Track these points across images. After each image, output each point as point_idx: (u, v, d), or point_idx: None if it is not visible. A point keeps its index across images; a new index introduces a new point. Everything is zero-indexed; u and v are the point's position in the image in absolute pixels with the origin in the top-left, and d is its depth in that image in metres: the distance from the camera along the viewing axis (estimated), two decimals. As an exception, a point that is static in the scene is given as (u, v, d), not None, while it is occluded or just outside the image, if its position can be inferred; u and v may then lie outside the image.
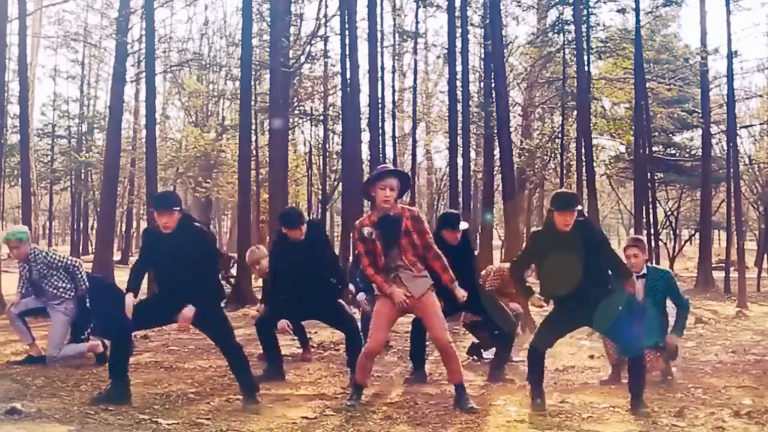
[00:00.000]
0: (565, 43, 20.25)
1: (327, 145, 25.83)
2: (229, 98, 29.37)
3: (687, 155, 27.95)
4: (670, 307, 6.38)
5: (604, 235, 5.85)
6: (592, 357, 7.73)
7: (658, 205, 22.98)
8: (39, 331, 7.70)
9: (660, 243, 22.25)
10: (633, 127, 20.12)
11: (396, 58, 25.10)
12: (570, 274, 5.16)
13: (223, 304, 6.54)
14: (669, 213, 27.36)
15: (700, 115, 22.93)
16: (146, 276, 5.87)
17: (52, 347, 6.76)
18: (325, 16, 22.24)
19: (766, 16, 61.97)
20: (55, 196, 35.96)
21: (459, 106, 15.18)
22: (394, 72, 25.04)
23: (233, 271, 15.78)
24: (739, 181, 18.90)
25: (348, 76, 16.11)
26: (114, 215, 19.87)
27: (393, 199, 5.30)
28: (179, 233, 5.14)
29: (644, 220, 18.52)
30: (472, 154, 23.94)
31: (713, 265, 23.25)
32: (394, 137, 23.97)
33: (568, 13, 19.78)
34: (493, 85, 15.97)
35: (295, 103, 23.85)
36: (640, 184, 18.93)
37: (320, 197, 26.71)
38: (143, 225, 37.32)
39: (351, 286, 8.10)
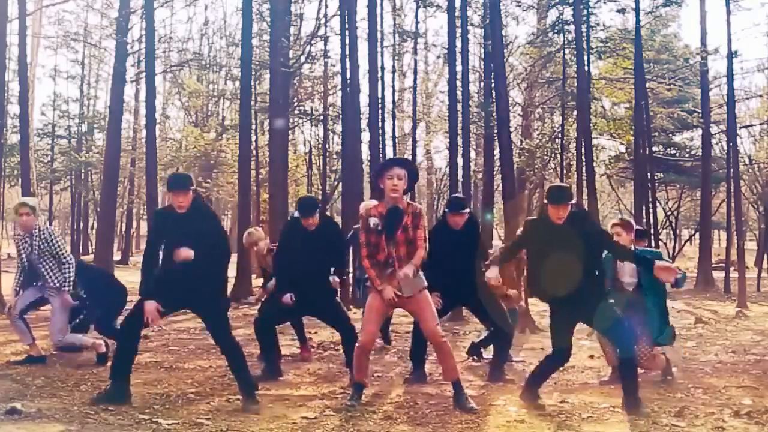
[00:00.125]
0: (565, 43, 20.23)
1: (327, 145, 25.83)
2: (229, 98, 29.38)
3: (687, 155, 27.96)
4: (672, 309, 6.37)
5: (601, 227, 5.86)
6: (592, 357, 7.73)
7: (658, 205, 22.99)
8: (39, 331, 7.71)
9: (660, 243, 22.24)
10: (633, 127, 20.12)
11: (396, 58, 25.09)
12: (566, 272, 5.18)
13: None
14: (669, 213, 27.37)
15: (700, 115, 22.94)
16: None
17: (55, 333, 6.78)
18: (325, 16, 22.25)
19: (766, 16, 61.99)
20: (55, 196, 35.91)
21: (459, 106, 15.16)
22: (394, 72, 25.03)
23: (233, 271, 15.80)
24: (739, 181, 18.91)
25: (348, 76, 16.10)
26: (114, 215, 19.88)
27: (401, 189, 5.31)
28: (192, 213, 5.23)
29: (644, 220, 18.52)
30: (472, 154, 23.94)
31: (713, 265, 23.26)
32: (394, 137, 23.95)
33: (568, 13, 19.76)
34: (493, 85, 15.95)
35: (295, 103, 23.86)
36: (640, 184, 18.93)
37: (320, 197, 26.71)
38: (143, 225, 37.36)
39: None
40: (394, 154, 25.12)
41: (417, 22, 23.85)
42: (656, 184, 23.07)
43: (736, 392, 5.99)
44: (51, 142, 32.69)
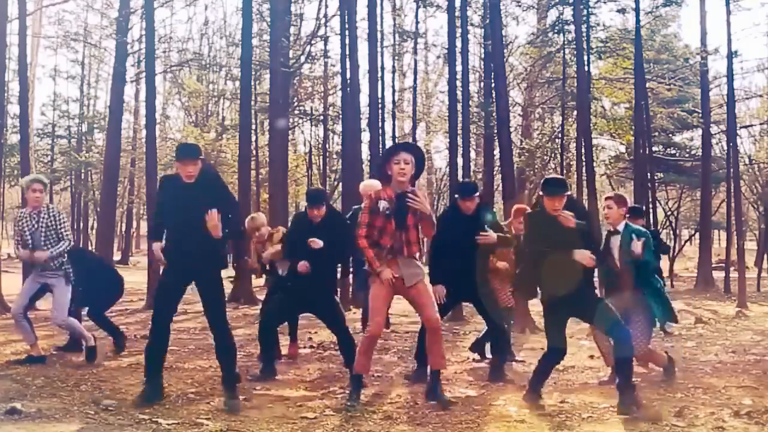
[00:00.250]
0: (565, 43, 20.23)
1: (327, 145, 25.86)
2: (229, 98, 29.37)
3: (687, 155, 27.95)
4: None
5: (585, 213, 5.88)
6: (592, 357, 7.72)
7: (658, 205, 22.98)
8: (39, 330, 7.72)
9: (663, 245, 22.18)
10: (633, 127, 20.12)
11: (396, 58, 25.09)
12: (564, 268, 5.18)
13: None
14: (669, 213, 27.36)
15: (700, 115, 22.94)
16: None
17: (58, 312, 6.73)
18: (325, 16, 22.27)
19: (766, 16, 61.97)
20: (55, 196, 35.86)
21: (459, 106, 15.14)
22: (394, 72, 25.03)
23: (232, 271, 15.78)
24: (739, 181, 18.91)
25: (348, 76, 16.10)
26: (114, 215, 19.89)
27: (409, 174, 5.29)
28: (200, 182, 5.20)
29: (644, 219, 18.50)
30: (472, 154, 23.94)
31: (713, 265, 23.26)
32: (394, 137, 23.94)
33: (568, 13, 19.76)
34: (493, 85, 15.91)
35: (295, 103, 23.87)
36: (640, 184, 18.92)
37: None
38: (143, 225, 37.34)
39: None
40: (394, 154, 25.08)
41: (417, 22, 23.85)
42: (656, 184, 23.08)
43: (736, 392, 5.99)
44: (51, 142, 32.69)
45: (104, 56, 31.73)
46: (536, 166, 23.15)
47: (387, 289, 5.30)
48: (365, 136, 16.89)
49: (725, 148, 22.58)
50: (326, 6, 22.42)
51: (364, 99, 16.15)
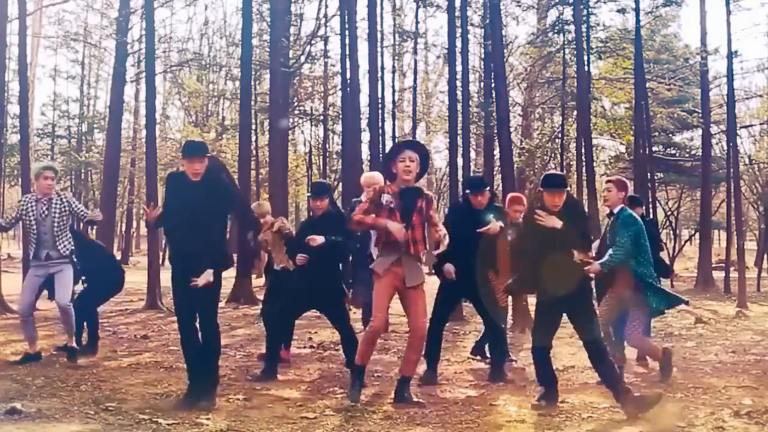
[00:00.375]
0: (565, 43, 20.24)
1: (327, 145, 25.86)
2: (229, 98, 29.38)
3: (687, 155, 27.94)
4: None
5: (584, 212, 5.89)
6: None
7: (658, 205, 22.97)
8: (40, 330, 7.71)
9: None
10: (633, 127, 20.10)
11: (396, 58, 25.10)
12: (563, 266, 5.17)
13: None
14: (669, 213, 27.34)
15: (700, 115, 22.93)
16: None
17: (64, 296, 6.66)
18: (325, 16, 22.29)
19: (766, 16, 61.96)
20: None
21: (459, 106, 15.13)
22: (394, 72, 25.05)
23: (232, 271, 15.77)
24: (739, 181, 18.89)
25: (348, 76, 16.10)
26: (114, 215, 19.92)
27: (414, 172, 5.33)
28: (205, 181, 5.19)
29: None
30: (472, 154, 23.94)
31: (713, 265, 23.24)
32: (394, 137, 23.96)
33: (568, 13, 19.77)
34: (493, 85, 15.92)
35: (295, 103, 23.88)
36: (640, 184, 18.91)
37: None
38: (143, 225, 37.29)
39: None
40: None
41: (417, 22, 23.86)
42: (656, 184, 23.05)
43: (736, 392, 5.98)
44: (51, 142, 32.68)
45: (104, 56, 31.77)
46: (536, 166, 23.15)
47: (389, 286, 5.34)
48: (365, 136, 16.90)
49: (725, 148, 22.57)
50: (326, 6, 22.46)
51: (364, 99, 16.17)
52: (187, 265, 5.15)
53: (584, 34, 17.94)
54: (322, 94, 24.23)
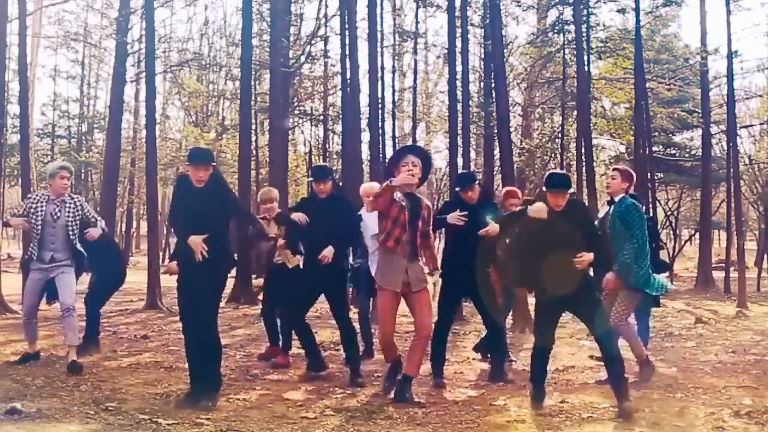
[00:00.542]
0: (565, 43, 20.23)
1: (327, 145, 25.84)
2: (229, 98, 29.36)
3: (687, 155, 27.94)
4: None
5: (591, 216, 5.89)
6: (592, 357, 7.72)
7: (658, 205, 22.97)
8: (40, 330, 7.71)
9: (660, 243, 22.19)
10: (633, 127, 20.10)
11: (396, 58, 25.05)
12: (563, 265, 5.17)
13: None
14: (669, 213, 27.35)
15: (700, 115, 22.93)
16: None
17: (68, 298, 6.55)
18: (325, 16, 22.26)
19: (766, 16, 61.93)
20: (55, 196, 35.86)
21: (459, 106, 15.11)
22: (394, 72, 24.99)
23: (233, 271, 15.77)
24: (739, 181, 18.89)
25: (348, 76, 16.09)
26: (114, 215, 19.87)
27: (417, 176, 5.44)
28: (209, 187, 5.27)
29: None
30: (472, 154, 23.91)
31: (713, 265, 23.24)
32: (394, 137, 23.92)
33: (568, 13, 19.75)
34: (493, 85, 15.90)
35: (295, 103, 23.87)
36: (640, 184, 18.85)
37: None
38: (143, 225, 37.30)
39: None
40: (395, 154, 25.09)
41: (417, 22, 23.81)
42: (656, 184, 23.06)
43: (736, 392, 5.99)
44: (51, 142, 32.66)
45: (104, 56, 31.73)
46: (536, 166, 23.16)
47: (395, 299, 5.54)
48: (365, 136, 16.88)
49: (725, 148, 22.58)
50: (326, 6, 22.43)
51: (364, 99, 16.14)
52: (192, 267, 5.20)
53: (584, 34, 17.93)
54: (322, 94, 24.21)
